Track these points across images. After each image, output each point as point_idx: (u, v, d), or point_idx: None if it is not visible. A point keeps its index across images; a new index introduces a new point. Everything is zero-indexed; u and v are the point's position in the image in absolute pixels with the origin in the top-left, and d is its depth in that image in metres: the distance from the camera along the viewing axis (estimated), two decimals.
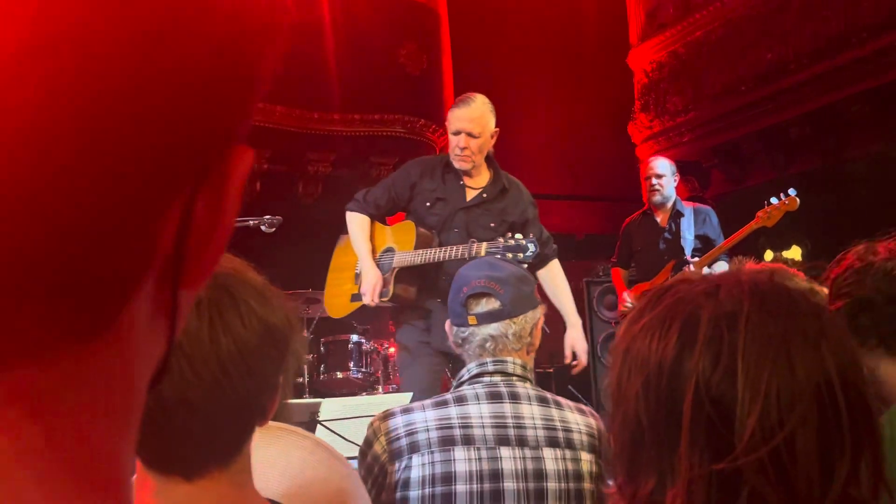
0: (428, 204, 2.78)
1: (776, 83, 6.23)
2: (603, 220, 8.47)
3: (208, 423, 0.68)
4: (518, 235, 2.56)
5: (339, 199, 6.89)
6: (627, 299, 4.25)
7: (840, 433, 0.63)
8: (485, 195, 2.85)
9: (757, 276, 0.70)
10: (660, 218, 4.34)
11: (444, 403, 1.45)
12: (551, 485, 1.41)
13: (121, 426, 0.24)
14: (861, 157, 6.28)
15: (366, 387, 4.07)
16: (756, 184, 7.12)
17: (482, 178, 2.90)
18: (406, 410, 1.44)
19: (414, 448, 1.39)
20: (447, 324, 1.60)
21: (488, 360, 1.49)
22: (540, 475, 1.41)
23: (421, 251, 2.71)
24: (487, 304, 1.50)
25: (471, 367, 1.50)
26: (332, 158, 6.21)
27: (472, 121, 2.79)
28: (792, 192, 3.97)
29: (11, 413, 0.20)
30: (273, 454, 1.01)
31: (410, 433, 1.40)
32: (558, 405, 1.50)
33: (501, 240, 2.60)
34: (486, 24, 7.99)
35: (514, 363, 1.49)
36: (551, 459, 1.42)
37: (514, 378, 1.48)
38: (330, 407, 1.75)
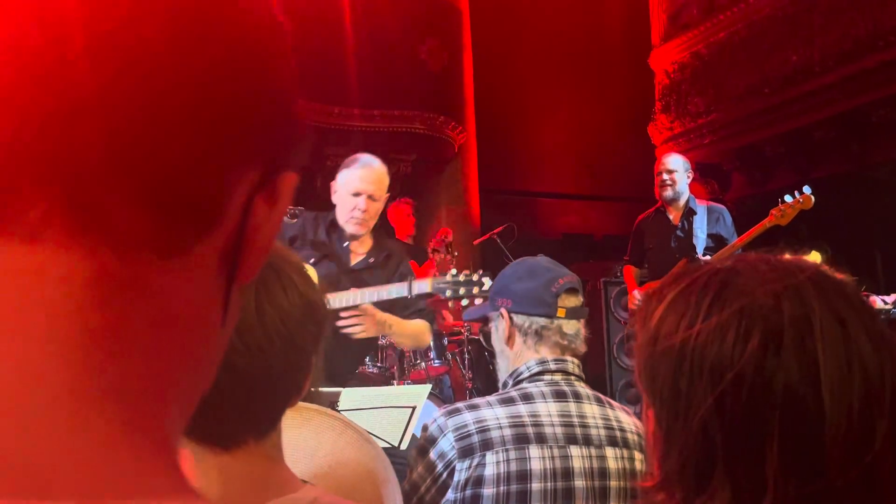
0: (312, 260, 2.63)
1: (800, 85, 6.16)
2: (621, 221, 8.43)
3: (250, 392, 0.70)
4: (466, 272, 2.50)
5: None
6: (637, 297, 4.19)
7: None
8: (371, 260, 2.72)
9: (812, 269, 0.66)
10: (672, 216, 4.28)
11: (511, 401, 1.43)
12: (613, 483, 1.42)
13: (178, 378, 0.29)
14: (886, 163, 6.20)
15: (381, 382, 4.07)
16: (778, 187, 7.04)
17: (365, 241, 2.74)
18: (472, 407, 1.42)
19: (487, 445, 1.37)
20: (503, 312, 1.52)
21: (549, 359, 1.48)
22: (604, 474, 1.42)
23: (362, 291, 2.61)
24: (575, 301, 1.52)
25: (531, 365, 1.48)
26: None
27: (375, 183, 2.65)
28: (807, 189, 3.90)
29: (91, 297, 0.25)
30: (304, 434, 1.02)
31: (482, 430, 1.38)
32: (610, 405, 1.51)
33: (449, 276, 2.56)
34: (507, 21, 7.97)
35: (573, 363, 1.50)
36: (612, 458, 1.43)
37: (573, 377, 1.49)
38: (350, 396, 1.75)
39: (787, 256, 0.69)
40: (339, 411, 1.66)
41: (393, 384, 4.03)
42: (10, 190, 0.25)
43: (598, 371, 5.34)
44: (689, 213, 4.28)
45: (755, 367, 0.61)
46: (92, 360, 0.25)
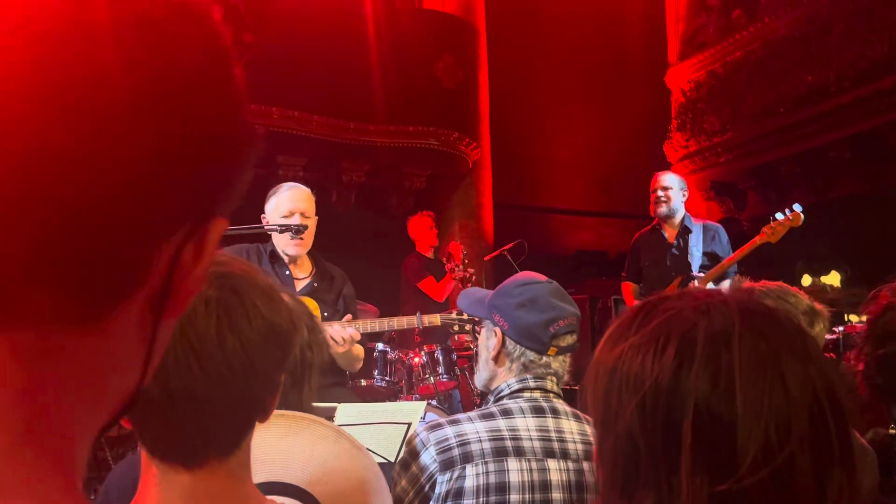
0: None
1: (816, 105, 6.14)
2: None
3: (211, 416, 0.71)
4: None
5: (371, 209, 6.99)
6: None
7: (831, 451, 0.64)
8: (315, 285, 2.70)
9: (741, 295, 0.70)
10: (668, 233, 4.28)
11: (490, 416, 1.47)
12: (590, 496, 1.46)
13: (87, 416, 0.30)
14: None
15: (389, 395, 4.09)
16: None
17: (305, 267, 2.73)
18: (454, 422, 1.44)
19: (467, 458, 1.40)
20: (495, 332, 1.55)
21: (528, 377, 1.52)
22: (581, 487, 1.46)
23: (379, 320, 2.64)
24: (569, 340, 1.54)
25: (511, 383, 1.52)
26: (366, 168, 6.29)
27: (305, 201, 2.64)
28: (797, 207, 3.91)
29: (9, 364, 0.27)
30: (299, 443, 1.04)
31: (463, 443, 1.41)
32: (588, 422, 1.53)
33: (455, 314, 2.59)
34: (523, 39, 8.02)
35: (551, 381, 1.54)
36: (590, 472, 1.47)
37: (552, 395, 1.53)
38: (346, 412, 1.77)
39: (749, 283, 0.72)
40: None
41: (400, 398, 4.05)
42: None
43: None
44: (684, 231, 4.28)
45: (670, 377, 0.65)
46: (5, 401, 0.27)
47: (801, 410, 0.64)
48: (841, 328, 3.65)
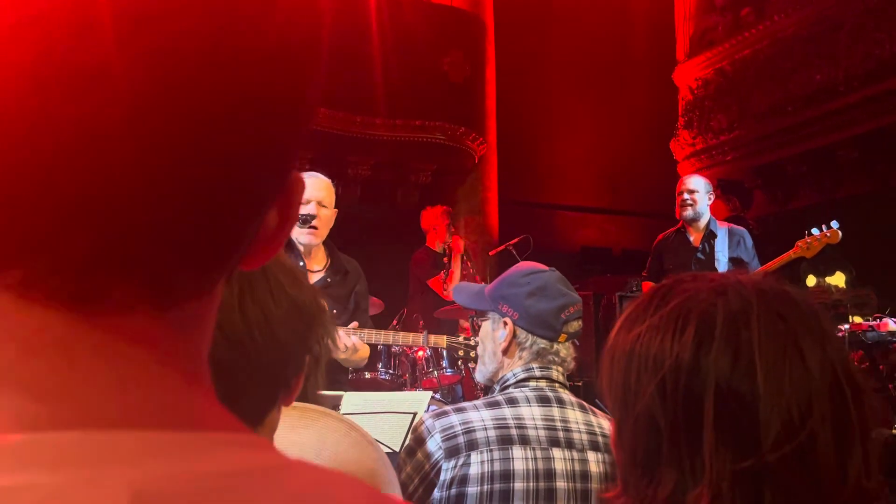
0: None
1: (824, 105, 6.12)
2: (640, 236, 8.39)
3: (233, 384, 0.71)
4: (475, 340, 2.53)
5: (377, 203, 6.99)
6: None
7: (851, 427, 0.65)
8: (328, 280, 2.63)
9: (756, 277, 0.71)
10: (693, 237, 4.24)
11: (496, 404, 1.48)
12: (594, 486, 1.46)
13: (203, 350, 0.34)
14: None
15: (393, 389, 4.11)
16: (800, 206, 6.99)
17: (320, 259, 2.65)
18: (459, 409, 1.46)
19: (472, 445, 1.41)
20: (504, 323, 1.56)
21: (534, 366, 1.53)
22: (586, 476, 1.46)
23: (377, 332, 2.61)
24: (577, 326, 1.57)
25: (517, 372, 1.53)
26: (372, 162, 6.30)
27: (323, 189, 2.57)
28: (835, 224, 3.84)
29: (173, 340, 0.30)
30: (309, 435, 1.04)
31: (468, 431, 1.42)
32: (594, 412, 1.56)
33: (462, 338, 2.60)
34: (531, 35, 8.01)
35: (557, 371, 1.55)
36: (594, 462, 1.48)
37: (557, 385, 1.54)
38: (352, 400, 1.78)
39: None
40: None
41: (404, 391, 4.06)
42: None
43: None
44: (709, 235, 4.24)
45: (690, 356, 0.65)
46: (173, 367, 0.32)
47: (822, 388, 0.64)
48: (846, 326, 3.65)
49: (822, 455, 0.63)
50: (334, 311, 2.57)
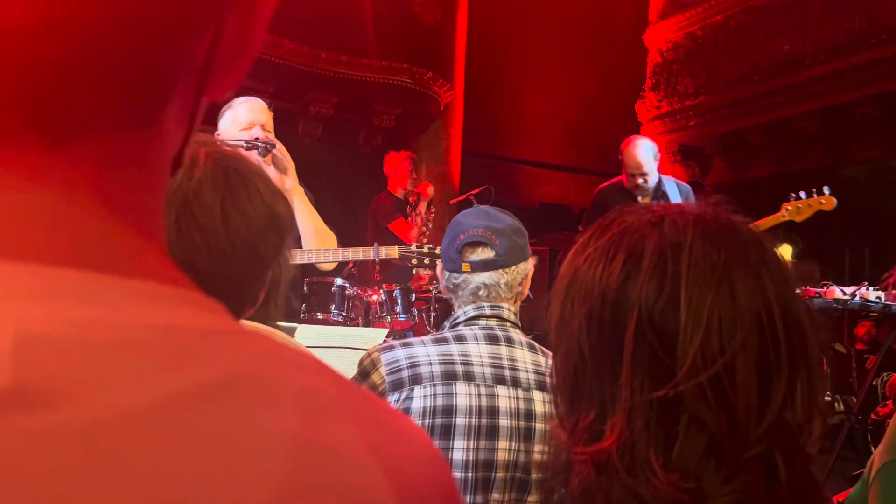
0: None
1: (790, 76, 6.17)
2: None
3: (208, 293, 0.69)
4: (431, 245, 2.46)
5: (338, 143, 6.85)
6: None
7: (778, 359, 0.64)
8: None
9: (701, 207, 0.70)
10: (640, 197, 3.90)
11: (444, 340, 1.48)
12: (539, 425, 1.47)
13: (157, 199, 0.30)
14: (863, 161, 6.27)
15: (354, 327, 4.11)
16: (757, 176, 7.10)
17: None
18: (406, 344, 1.45)
19: (416, 380, 1.41)
20: (439, 268, 1.62)
21: (485, 304, 1.53)
22: (530, 415, 1.47)
23: (326, 250, 2.52)
24: (483, 254, 1.53)
25: (467, 310, 1.54)
26: (335, 101, 6.14)
27: (266, 113, 2.46)
28: (826, 190, 3.66)
29: (82, 176, 0.26)
30: None
31: (413, 365, 1.42)
32: (544, 353, 1.57)
33: (414, 246, 2.54)
34: None
35: (508, 310, 1.55)
36: (540, 402, 1.48)
37: (508, 324, 1.53)
38: (305, 333, 1.74)
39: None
40: None
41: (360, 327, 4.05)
42: None
43: None
44: (659, 191, 3.98)
45: (617, 286, 0.65)
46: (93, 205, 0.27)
47: (748, 317, 0.64)
48: None
49: (742, 385, 0.63)
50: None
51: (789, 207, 3.75)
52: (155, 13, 0.25)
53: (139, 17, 0.25)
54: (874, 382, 4.30)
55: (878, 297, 3.65)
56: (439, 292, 4.68)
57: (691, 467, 0.62)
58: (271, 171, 2.40)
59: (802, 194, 3.72)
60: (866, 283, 3.75)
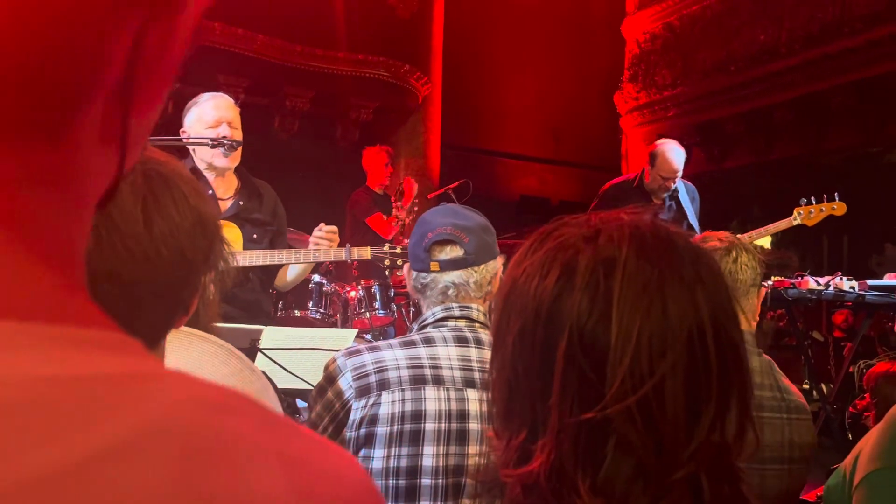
0: None
1: (766, 66, 6.20)
2: (580, 188, 8.45)
3: (132, 302, 0.66)
4: (404, 245, 2.45)
5: (314, 138, 6.79)
6: None
7: (708, 380, 0.62)
8: (241, 203, 2.48)
9: (639, 219, 0.68)
10: (657, 197, 3.99)
11: (412, 343, 1.44)
12: None
13: (74, 226, 0.27)
14: (839, 150, 6.32)
15: (323, 328, 4.05)
16: (735, 166, 7.14)
17: (230, 184, 2.49)
18: (373, 348, 1.42)
19: (384, 385, 1.37)
20: (406, 267, 1.58)
21: (454, 305, 1.50)
22: None
23: (303, 251, 2.50)
24: (451, 252, 1.50)
25: (436, 311, 1.50)
26: (310, 95, 6.07)
27: (232, 110, 2.41)
28: (836, 196, 3.76)
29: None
30: (185, 359, 0.96)
31: (380, 370, 1.38)
32: None
33: (387, 247, 2.54)
34: None
35: (477, 310, 1.51)
36: None
37: (477, 325, 1.50)
38: (272, 335, 1.70)
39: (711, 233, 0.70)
40: (261, 350, 1.62)
41: (329, 328, 4.01)
42: None
43: None
44: (674, 194, 4.04)
45: (549, 303, 0.64)
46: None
47: (679, 336, 0.61)
48: (770, 283, 3.74)
49: (670, 408, 0.61)
50: (254, 236, 2.47)
51: (801, 212, 3.80)
52: (58, 13, 0.23)
53: (40, 15, 0.23)
54: (851, 370, 4.34)
55: (852, 287, 3.68)
56: None
57: (618, 490, 0.60)
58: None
59: (813, 199, 3.75)
60: (840, 273, 3.78)
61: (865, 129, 5.87)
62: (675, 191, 4.06)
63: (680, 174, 3.98)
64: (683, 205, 4.04)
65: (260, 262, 2.42)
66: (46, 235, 0.26)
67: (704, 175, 7.25)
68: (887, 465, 1.07)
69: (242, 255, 2.36)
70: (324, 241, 2.48)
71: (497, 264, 1.56)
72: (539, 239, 0.69)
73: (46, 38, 0.23)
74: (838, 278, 3.69)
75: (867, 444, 1.13)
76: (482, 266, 1.51)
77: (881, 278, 3.83)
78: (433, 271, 1.49)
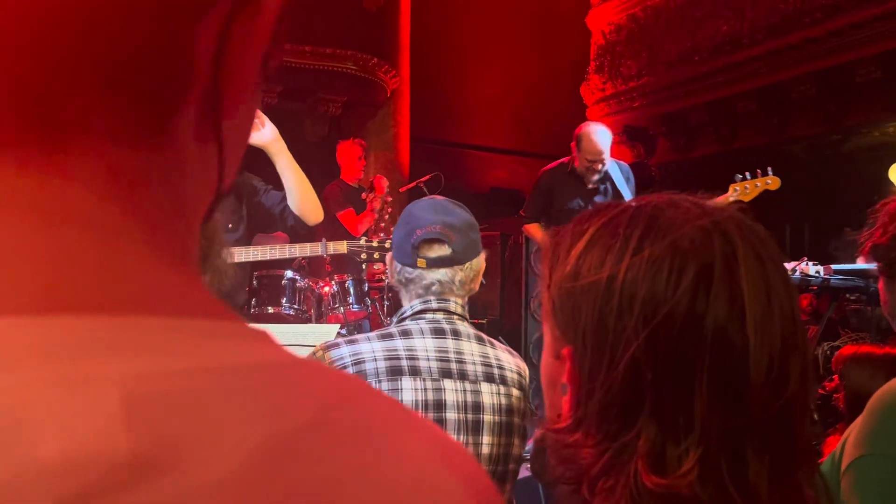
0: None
1: (729, 56, 6.30)
2: None
3: None
4: (380, 238, 2.43)
5: (283, 133, 6.70)
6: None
7: (810, 377, 0.62)
8: None
9: (732, 212, 0.65)
10: (590, 181, 4.07)
11: (389, 336, 1.46)
12: (487, 417, 1.47)
13: (186, 225, 0.28)
14: (802, 138, 6.46)
15: (298, 324, 4.03)
16: (700, 155, 7.26)
17: None
18: (351, 341, 1.44)
19: (361, 377, 1.39)
20: (388, 257, 1.59)
21: (432, 298, 1.52)
22: (478, 408, 1.47)
23: (280, 246, 2.49)
24: (439, 250, 1.51)
25: (414, 304, 1.52)
26: (278, 89, 6.01)
27: None
28: (770, 170, 3.78)
29: (93, 186, 0.24)
30: None
31: (357, 362, 1.40)
32: (492, 344, 1.57)
33: (363, 241, 2.52)
34: None
35: (455, 303, 1.54)
36: (488, 394, 1.48)
37: (455, 317, 1.53)
38: None
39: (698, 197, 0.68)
40: None
41: (310, 324, 3.99)
42: None
43: (514, 323, 5.44)
44: (605, 174, 4.09)
45: (688, 303, 0.59)
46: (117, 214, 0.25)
47: (794, 339, 0.61)
48: None
49: (797, 411, 0.61)
50: (230, 226, 2.45)
51: (737, 188, 3.85)
52: (147, 5, 0.24)
53: (130, 9, 0.23)
54: (815, 352, 4.45)
55: (818, 272, 3.77)
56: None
57: (763, 494, 0.59)
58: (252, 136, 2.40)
59: (748, 175, 3.83)
60: (806, 259, 3.86)
61: (826, 118, 6.01)
62: (608, 174, 4.08)
63: (606, 156, 4.00)
64: (619, 186, 4.08)
65: (234, 259, 2.41)
66: (166, 231, 0.26)
67: (671, 164, 7.36)
68: (871, 452, 1.09)
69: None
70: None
71: (481, 260, 1.58)
72: (640, 226, 0.63)
73: (138, 31, 0.24)
74: (804, 263, 3.78)
75: (853, 431, 1.15)
76: (467, 264, 1.53)
77: (841, 262, 3.92)
78: (420, 268, 1.50)
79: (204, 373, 0.22)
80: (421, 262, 1.50)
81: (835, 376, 2.17)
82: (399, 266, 1.54)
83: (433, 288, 1.51)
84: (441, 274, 1.51)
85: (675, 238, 0.61)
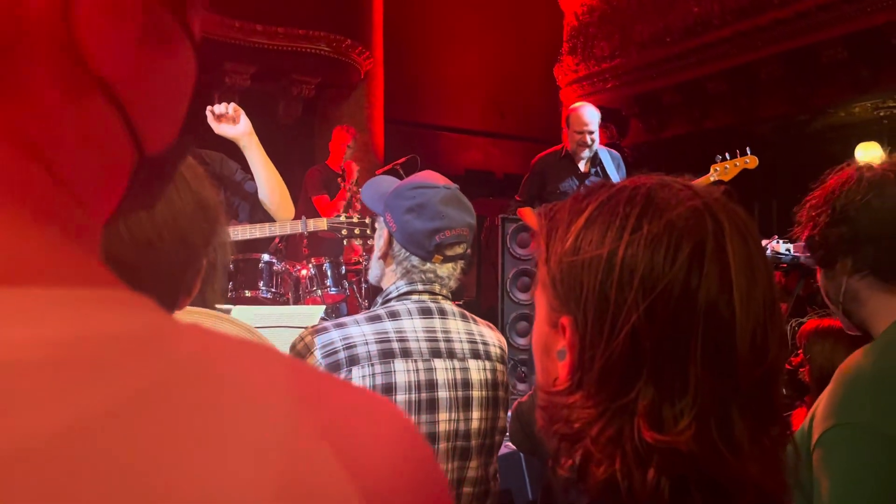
0: None
1: (700, 37, 6.37)
2: (524, 161, 8.53)
3: (135, 286, 0.66)
4: (360, 215, 2.43)
5: (256, 116, 6.63)
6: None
7: (787, 347, 0.69)
8: None
9: (717, 194, 0.70)
10: (581, 164, 4.26)
11: (377, 318, 1.46)
12: (475, 393, 1.50)
13: (62, 197, 0.26)
14: (770, 118, 6.56)
15: (290, 306, 4.04)
16: (672, 135, 7.34)
17: None
18: (340, 325, 1.43)
19: (353, 361, 1.39)
20: (385, 233, 1.55)
21: (417, 280, 1.53)
22: (467, 384, 1.50)
23: (260, 225, 2.49)
24: (457, 249, 1.53)
25: (399, 285, 1.52)
26: (251, 71, 5.95)
27: None
28: (748, 150, 3.92)
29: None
30: None
31: (349, 346, 1.40)
32: (475, 321, 1.60)
33: (344, 217, 2.51)
34: None
35: (439, 286, 1.55)
36: (475, 370, 1.51)
37: (440, 297, 1.54)
38: (241, 314, 1.71)
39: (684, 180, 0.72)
40: None
41: (296, 306, 4.00)
42: None
43: (491, 304, 5.49)
44: (596, 160, 4.24)
45: (683, 278, 0.64)
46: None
47: (773, 310, 0.66)
48: None
49: (775, 376, 0.66)
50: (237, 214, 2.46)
51: (717, 168, 3.93)
52: None
53: None
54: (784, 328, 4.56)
55: (788, 249, 3.86)
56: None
57: (746, 450, 0.64)
58: (225, 128, 2.37)
59: (727, 155, 3.93)
60: (776, 237, 3.95)
61: (794, 99, 6.11)
62: (600, 161, 4.23)
63: (592, 129, 4.17)
64: (609, 173, 4.22)
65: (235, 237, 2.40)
66: (34, 197, 0.25)
67: (643, 145, 7.44)
68: (839, 423, 1.13)
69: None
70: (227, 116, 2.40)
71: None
72: (637, 204, 0.68)
73: None
74: (775, 241, 3.87)
75: (820, 404, 1.19)
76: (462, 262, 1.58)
77: None
78: (434, 263, 1.51)
79: (37, 345, 0.21)
80: (438, 258, 1.51)
81: (799, 351, 2.24)
82: (401, 250, 1.52)
83: (429, 276, 1.53)
84: (447, 268, 1.53)
85: (671, 217, 0.66)
